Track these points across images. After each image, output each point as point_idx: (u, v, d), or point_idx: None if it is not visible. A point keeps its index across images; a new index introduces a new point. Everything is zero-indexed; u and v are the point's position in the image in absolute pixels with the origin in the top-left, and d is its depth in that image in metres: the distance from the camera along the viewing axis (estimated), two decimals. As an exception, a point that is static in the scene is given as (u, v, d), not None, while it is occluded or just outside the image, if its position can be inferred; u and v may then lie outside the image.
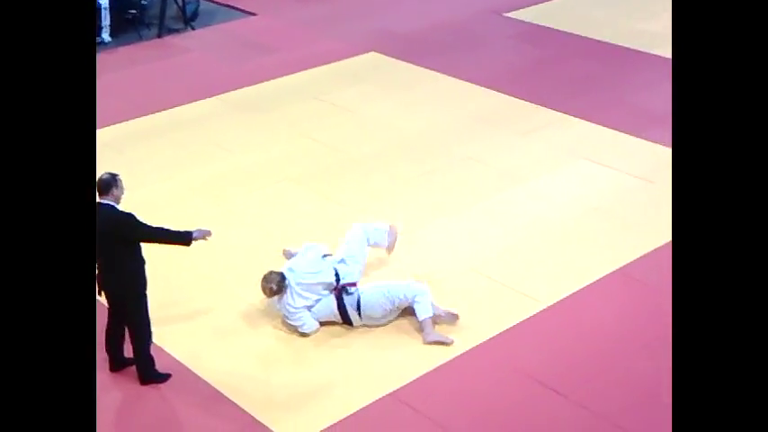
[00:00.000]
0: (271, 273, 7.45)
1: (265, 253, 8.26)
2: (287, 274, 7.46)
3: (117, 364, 6.93)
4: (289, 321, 7.43)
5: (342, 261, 7.73)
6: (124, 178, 9.55)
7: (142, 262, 6.63)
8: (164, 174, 10.02)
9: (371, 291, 7.50)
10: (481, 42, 13.77)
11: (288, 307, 7.37)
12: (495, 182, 9.76)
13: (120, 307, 6.69)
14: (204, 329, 7.54)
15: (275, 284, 7.38)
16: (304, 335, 7.40)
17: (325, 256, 7.78)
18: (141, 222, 6.56)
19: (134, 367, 6.89)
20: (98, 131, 10.88)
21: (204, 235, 6.85)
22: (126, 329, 6.80)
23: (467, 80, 12.29)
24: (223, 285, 8.05)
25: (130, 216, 6.53)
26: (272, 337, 7.45)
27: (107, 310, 6.77)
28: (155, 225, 6.66)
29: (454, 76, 12.44)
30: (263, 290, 7.44)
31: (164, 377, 6.88)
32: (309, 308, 7.41)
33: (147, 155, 10.46)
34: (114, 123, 11.19)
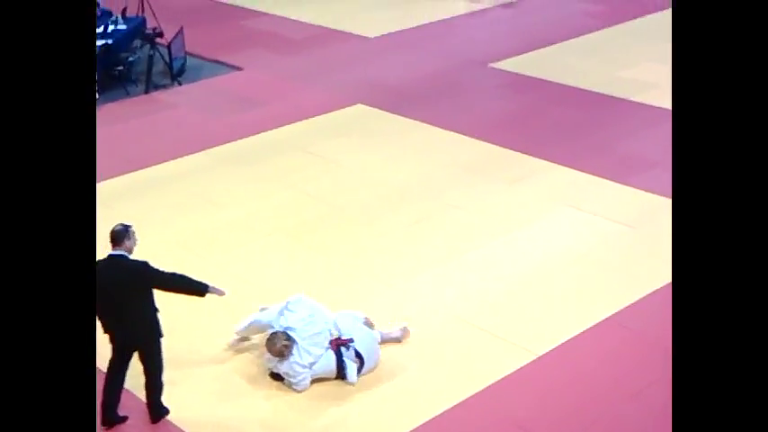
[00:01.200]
0: (274, 334, 7.37)
1: (251, 306, 8.22)
2: (289, 333, 7.39)
3: (110, 419, 6.88)
4: (288, 379, 7.35)
5: (335, 323, 7.70)
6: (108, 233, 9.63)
7: (156, 308, 6.73)
8: (152, 228, 9.98)
9: (360, 336, 7.55)
10: (466, 92, 13.90)
11: (295, 366, 7.28)
12: (482, 231, 9.79)
13: (143, 355, 6.75)
14: (191, 391, 7.46)
15: (284, 342, 7.28)
16: (295, 391, 7.35)
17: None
18: (158, 269, 6.67)
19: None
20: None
21: (219, 292, 7.02)
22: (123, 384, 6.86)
23: (453, 130, 12.39)
24: (210, 342, 7.99)
25: (146, 264, 6.65)
26: (263, 398, 7.38)
27: (110, 364, 6.77)
28: (169, 272, 6.78)
29: (440, 127, 12.53)
30: (273, 351, 7.32)
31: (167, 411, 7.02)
32: (312, 365, 7.35)
33: (135, 210, 10.45)
34: (103, 180, 11.18)
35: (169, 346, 7.01)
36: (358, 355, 7.47)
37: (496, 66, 14.94)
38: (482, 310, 8.38)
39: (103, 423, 6.87)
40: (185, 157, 11.88)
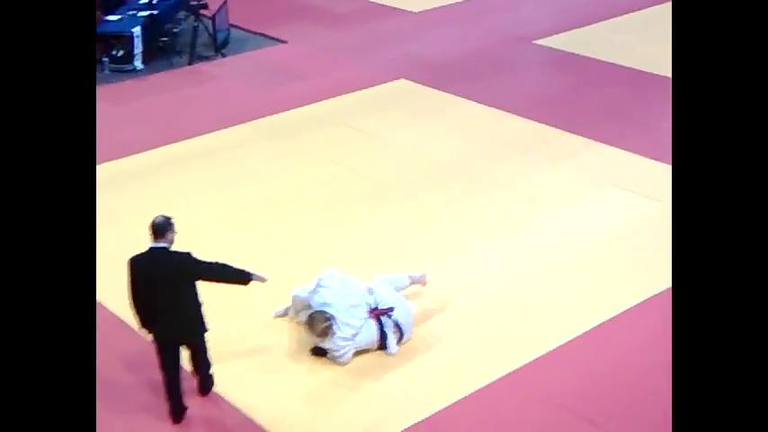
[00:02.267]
0: (312, 316, 7.36)
1: (292, 279, 8.26)
2: (326, 309, 7.40)
3: (179, 412, 6.79)
4: (331, 353, 7.36)
5: (370, 290, 7.73)
6: (153, 204, 9.72)
7: (200, 302, 6.58)
8: (192, 200, 10.08)
9: (398, 306, 7.60)
10: (510, 69, 13.81)
11: (338, 341, 7.29)
12: (523, 209, 9.74)
13: (193, 344, 6.67)
14: (240, 363, 7.50)
15: (324, 322, 7.27)
16: (338, 364, 7.38)
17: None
18: (201, 260, 6.52)
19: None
20: (128, 158, 11.07)
21: (262, 279, 6.89)
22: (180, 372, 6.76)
23: (496, 107, 12.31)
24: (251, 313, 8.04)
25: (189, 255, 6.49)
26: (305, 373, 7.41)
27: (161, 358, 6.61)
28: (212, 261, 6.63)
29: (483, 103, 12.46)
30: (315, 332, 7.31)
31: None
32: (354, 336, 7.37)
33: (176, 181, 10.54)
34: (145, 150, 11.30)
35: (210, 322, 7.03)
36: (397, 324, 7.50)
37: (541, 43, 14.81)
38: (524, 288, 8.36)
39: (174, 419, 6.77)
40: (228, 129, 11.92)
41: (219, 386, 7.11)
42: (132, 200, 10.10)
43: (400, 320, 7.54)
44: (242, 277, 6.77)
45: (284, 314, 7.91)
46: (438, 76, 13.43)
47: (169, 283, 6.35)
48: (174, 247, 6.50)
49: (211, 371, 6.98)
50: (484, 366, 7.31)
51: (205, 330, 6.63)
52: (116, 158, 11.06)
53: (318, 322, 7.29)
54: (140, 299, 6.45)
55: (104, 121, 12.25)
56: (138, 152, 11.22)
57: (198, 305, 6.54)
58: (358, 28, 15.91)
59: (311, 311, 7.42)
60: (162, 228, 6.40)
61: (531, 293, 8.26)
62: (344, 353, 7.34)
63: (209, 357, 6.85)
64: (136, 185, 10.45)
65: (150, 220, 6.49)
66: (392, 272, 8.22)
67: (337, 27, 15.97)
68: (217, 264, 6.65)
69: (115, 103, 12.95)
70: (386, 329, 7.47)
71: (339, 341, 7.31)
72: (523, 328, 7.79)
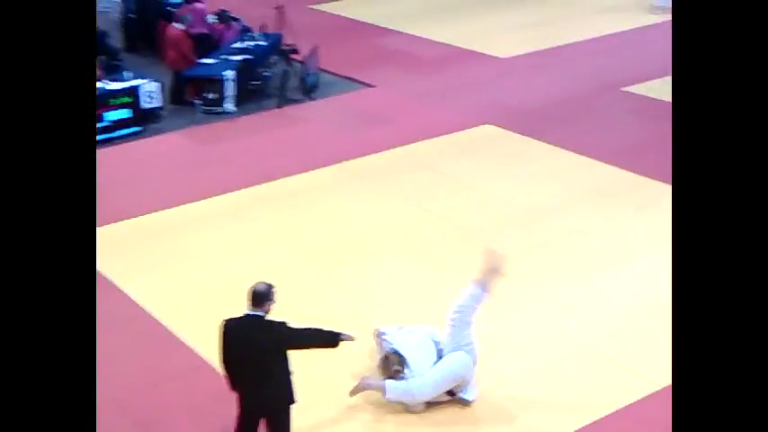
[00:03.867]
0: (385, 357, 7.41)
1: (375, 321, 8.31)
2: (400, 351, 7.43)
3: None
4: (402, 399, 7.34)
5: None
6: (239, 245, 9.90)
7: (291, 371, 6.40)
8: (277, 241, 10.23)
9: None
10: (597, 116, 13.73)
11: (409, 383, 7.30)
12: (607, 257, 9.64)
13: (273, 419, 6.46)
14: (314, 412, 7.56)
15: (396, 366, 7.32)
16: (412, 411, 7.36)
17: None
18: (295, 329, 6.39)
19: None
20: (217, 198, 11.30)
21: (350, 338, 6.72)
22: None
23: (582, 153, 12.25)
24: (332, 355, 8.08)
25: (284, 325, 6.35)
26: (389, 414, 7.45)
27: (239, 422, 6.52)
28: (303, 328, 6.50)
29: (569, 150, 12.41)
30: (386, 372, 7.37)
31: None
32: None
33: (262, 221, 10.72)
34: (233, 190, 11.52)
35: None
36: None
37: (629, 89, 14.70)
38: (604, 338, 8.25)
39: None
40: (314, 171, 12.09)
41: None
42: (219, 239, 10.30)
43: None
44: (332, 340, 6.61)
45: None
46: (524, 123, 13.42)
47: (260, 353, 6.22)
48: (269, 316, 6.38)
49: None
50: (561, 418, 7.23)
51: (292, 401, 6.42)
52: (205, 198, 11.30)
53: (391, 363, 7.35)
54: (230, 363, 6.40)
55: (195, 162, 12.59)
56: (226, 192, 11.45)
57: (288, 375, 6.37)
58: (445, 73, 16.02)
59: (387, 351, 7.48)
60: (261, 297, 6.27)
61: (611, 344, 8.15)
62: (415, 402, 7.31)
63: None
64: (223, 225, 10.66)
65: (251, 286, 6.36)
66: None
67: (424, 72, 16.10)
68: (309, 330, 6.54)
69: (206, 144, 13.26)
70: None
71: (410, 383, 7.30)
72: (602, 380, 7.68)
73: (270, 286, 6.34)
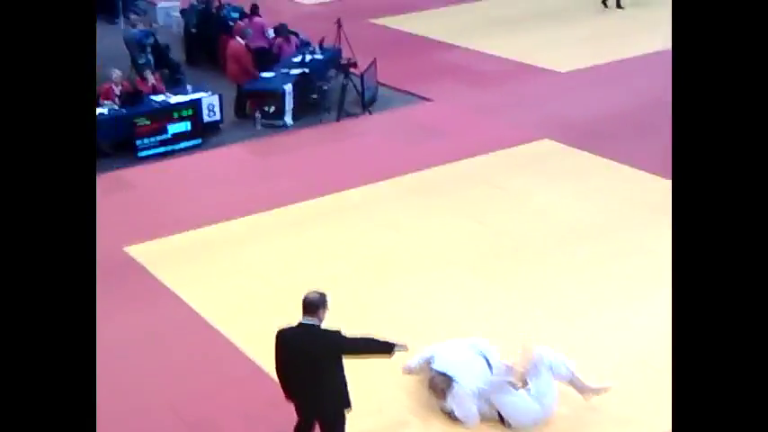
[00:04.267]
0: (432, 378, 7.44)
1: (429, 335, 8.33)
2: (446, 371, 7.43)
3: None
4: (456, 414, 7.36)
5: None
6: (297, 257, 9.97)
7: (345, 378, 6.45)
8: (334, 254, 10.29)
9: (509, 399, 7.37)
10: (657, 132, 13.58)
11: (458, 397, 7.30)
12: (664, 273, 9.53)
13: (328, 424, 6.55)
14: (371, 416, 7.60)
15: (442, 385, 7.37)
16: (463, 425, 7.35)
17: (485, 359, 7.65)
18: (348, 337, 6.40)
19: None
20: (275, 211, 11.41)
21: (404, 348, 6.76)
22: None
23: (641, 169, 12.15)
24: (385, 366, 8.11)
25: (338, 334, 6.36)
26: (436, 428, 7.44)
27: (300, 425, 6.68)
28: (359, 337, 6.51)
29: (628, 165, 12.32)
30: (435, 393, 7.43)
31: None
32: (477, 393, 7.34)
33: (320, 235, 10.78)
34: (292, 203, 11.62)
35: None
36: (500, 416, 7.37)
37: (690, 105, 14.54)
38: (664, 353, 8.16)
39: None
40: (372, 184, 12.15)
41: None
42: (277, 251, 10.39)
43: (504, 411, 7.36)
44: (386, 350, 6.65)
45: (412, 371, 7.84)
46: (582, 137, 13.36)
47: (314, 361, 6.28)
48: (324, 324, 6.41)
49: None
50: (618, 433, 7.18)
51: (347, 406, 6.47)
52: (262, 210, 11.41)
53: (438, 382, 7.37)
54: (285, 372, 6.48)
55: (254, 174, 12.74)
56: (283, 205, 11.55)
57: (343, 381, 6.41)
58: (503, 87, 16.01)
59: (432, 373, 7.47)
60: (314, 305, 6.32)
61: (664, 361, 8.02)
62: (468, 414, 7.31)
63: None
64: (281, 237, 10.76)
65: (304, 295, 6.42)
66: (523, 331, 8.19)
67: (483, 86, 16.11)
68: (363, 339, 6.55)
69: (264, 157, 13.40)
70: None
71: (459, 402, 7.30)
72: (660, 395, 7.59)
73: (322, 295, 6.38)
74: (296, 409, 6.60)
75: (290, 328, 6.39)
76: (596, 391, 7.46)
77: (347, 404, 6.46)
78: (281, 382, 6.55)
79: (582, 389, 7.44)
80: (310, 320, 6.32)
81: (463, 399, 7.31)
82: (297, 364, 6.34)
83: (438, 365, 7.49)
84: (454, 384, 7.32)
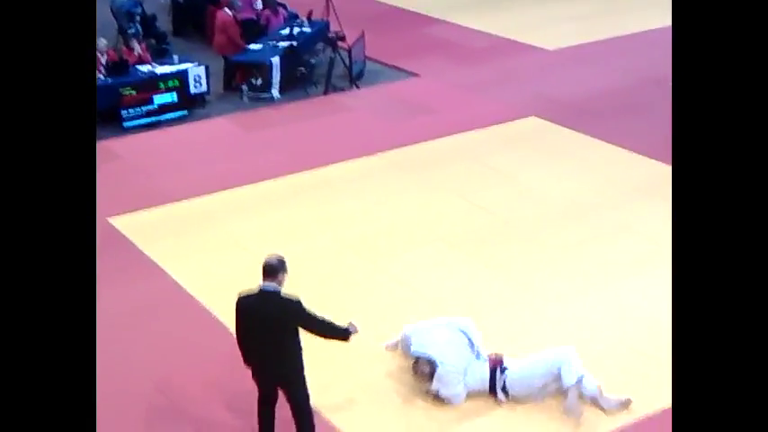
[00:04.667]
0: (416, 362, 7.43)
1: (414, 312, 8.33)
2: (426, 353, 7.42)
3: None
4: (442, 393, 7.34)
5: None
6: (282, 232, 9.93)
7: (300, 347, 6.52)
8: (320, 228, 10.27)
9: (518, 371, 7.38)
10: (645, 111, 13.56)
11: (447, 372, 7.29)
12: (652, 254, 9.55)
13: (287, 391, 6.60)
14: (347, 387, 7.62)
15: (427, 367, 7.36)
16: (449, 404, 7.36)
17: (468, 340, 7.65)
18: (308, 311, 6.44)
19: None
20: (259, 184, 11.36)
21: (355, 330, 6.75)
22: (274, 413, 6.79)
23: (628, 149, 12.13)
24: (369, 342, 8.10)
25: (299, 303, 6.39)
26: (419, 408, 7.43)
27: (259, 399, 6.75)
28: (318, 315, 6.53)
29: (616, 144, 12.30)
30: (417, 377, 7.43)
31: None
32: (463, 376, 7.35)
33: (305, 209, 10.75)
34: (276, 177, 11.57)
35: (326, 349, 7.08)
36: (504, 389, 7.37)
37: (678, 85, 14.51)
38: (646, 335, 8.19)
39: None
40: (358, 159, 12.10)
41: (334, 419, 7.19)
42: (262, 225, 10.35)
43: (510, 387, 7.37)
44: (342, 334, 6.68)
45: (395, 347, 7.91)
46: (570, 116, 13.32)
47: (272, 327, 6.34)
48: (286, 286, 6.45)
49: None
50: (603, 416, 7.20)
51: (302, 377, 6.53)
52: (248, 184, 11.36)
53: (422, 365, 7.38)
54: (244, 337, 6.54)
55: (240, 147, 12.66)
56: (269, 178, 11.50)
57: (298, 349, 6.47)
58: (491, 64, 15.93)
59: (414, 358, 7.46)
60: (273, 269, 6.36)
61: (654, 342, 8.07)
62: (456, 393, 7.32)
63: (309, 412, 6.66)
64: (266, 211, 10.71)
65: (264, 259, 6.48)
66: (510, 311, 8.19)
67: (470, 62, 16.04)
68: (322, 320, 6.55)
69: (250, 130, 13.32)
70: (496, 382, 7.37)
71: (446, 382, 7.30)
72: (645, 378, 7.62)
73: (281, 259, 6.42)
74: (253, 375, 6.63)
75: (249, 295, 6.44)
76: (622, 405, 7.27)
77: (301, 374, 6.51)
78: (240, 347, 6.59)
79: (609, 408, 7.24)
80: (270, 284, 6.35)
81: (449, 379, 7.31)
82: (256, 330, 6.40)
83: (418, 349, 7.46)
84: (438, 366, 7.31)
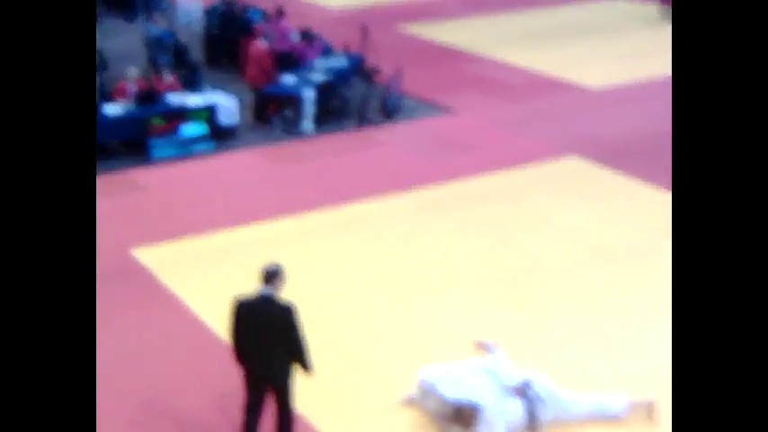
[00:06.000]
0: (459, 408, 7.05)
1: (442, 354, 7.92)
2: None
3: None
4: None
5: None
6: (310, 268, 9.61)
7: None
8: (348, 265, 9.92)
9: (548, 391, 7.25)
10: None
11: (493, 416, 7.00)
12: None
13: (275, 393, 6.76)
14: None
15: (470, 411, 7.01)
16: None
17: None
18: (297, 320, 6.60)
19: None
20: (288, 219, 11.03)
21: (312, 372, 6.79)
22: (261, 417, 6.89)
23: (667, 190, 11.68)
24: (397, 382, 7.70)
25: (290, 310, 6.59)
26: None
27: (245, 396, 6.82)
28: (301, 332, 6.63)
29: (655, 186, 11.87)
30: (466, 423, 7.03)
31: None
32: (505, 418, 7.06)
33: (334, 246, 10.41)
34: (305, 212, 11.25)
35: (351, 388, 6.80)
36: (537, 396, 7.17)
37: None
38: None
39: None
40: (390, 196, 11.74)
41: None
42: (289, 260, 9.87)
43: (541, 393, 7.19)
44: (305, 364, 6.71)
45: (412, 402, 7.51)
46: (610, 156, 12.93)
47: (267, 328, 6.58)
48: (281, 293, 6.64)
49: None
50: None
51: (290, 382, 6.72)
52: (277, 218, 11.05)
53: (465, 412, 7.01)
54: (241, 337, 6.71)
55: (269, 181, 12.37)
56: (297, 213, 11.18)
57: (290, 356, 6.65)
58: (531, 102, 15.59)
59: (454, 405, 7.06)
60: (271, 276, 6.64)
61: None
62: None
63: (291, 418, 6.83)
64: (294, 246, 10.37)
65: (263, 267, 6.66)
66: (536, 352, 7.81)
67: (509, 99, 15.70)
68: (303, 338, 6.63)
69: (281, 163, 13.02)
70: (534, 406, 7.14)
71: (489, 423, 6.96)
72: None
73: (279, 266, 6.68)
74: (245, 378, 6.79)
75: (248, 298, 6.68)
76: (648, 409, 7.32)
77: (289, 376, 6.69)
78: (234, 347, 6.75)
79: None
80: (267, 290, 6.61)
81: (494, 423, 6.98)
82: (252, 332, 6.62)
83: (455, 395, 7.08)
84: (483, 411, 6.95)
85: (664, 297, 9.18)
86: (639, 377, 7.90)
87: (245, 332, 6.66)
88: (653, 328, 8.69)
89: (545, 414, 7.17)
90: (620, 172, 12.40)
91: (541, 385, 7.29)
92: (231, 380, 7.75)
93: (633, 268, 9.85)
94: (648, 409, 7.31)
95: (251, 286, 9.28)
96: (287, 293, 6.69)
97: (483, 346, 7.79)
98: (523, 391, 7.18)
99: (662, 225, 10.81)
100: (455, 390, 7.15)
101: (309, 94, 14.24)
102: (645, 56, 18.10)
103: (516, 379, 7.28)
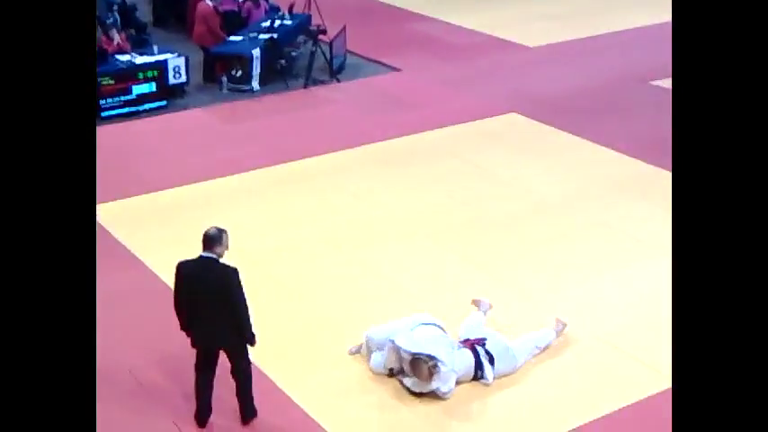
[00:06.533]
0: (416, 360, 7.17)
1: (393, 307, 8.29)
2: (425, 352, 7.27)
3: (204, 416, 6.95)
4: (438, 391, 7.24)
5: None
6: (260, 224, 9.86)
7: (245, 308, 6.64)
8: (297, 221, 10.21)
9: (492, 338, 7.60)
10: (625, 109, 13.59)
11: (444, 378, 7.20)
12: (627, 251, 9.56)
13: (230, 356, 6.74)
14: (330, 385, 7.53)
15: (430, 364, 7.15)
16: (440, 398, 7.28)
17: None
18: (239, 286, 6.53)
19: None
20: (238, 176, 11.28)
21: (252, 343, 6.76)
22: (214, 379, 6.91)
23: (607, 146, 12.14)
24: (348, 335, 8.07)
25: (235, 273, 6.53)
26: (401, 401, 7.42)
27: (196, 360, 6.83)
28: (244, 297, 6.56)
29: (594, 142, 12.30)
30: (422, 376, 7.18)
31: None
32: (456, 368, 7.29)
33: (283, 202, 10.69)
34: (255, 169, 11.50)
35: (305, 342, 7.00)
36: (489, 354, 7.45)
37: (657, 83, 14.55)
38: (619, 330, 8.18)
39: (199, 424, 6.94)
40: (337, 153, 12.04)
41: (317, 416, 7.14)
42: (239, 217, 10.25)
43: (492, 351, 7.50)
44: (247, 334, 6.67)
45: (357, 351, 7.80)
46: (550, 112, 13.32)
47: (209, 292, 6.51)
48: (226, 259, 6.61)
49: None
50: (572, 410, 7.19)
51: (244, 340, 6.66)
52: (227, 175, 11.29)
53: (424, 364, 7.14)
54: (183, 302, 6.69)
55: (218, 139, 12.59)
56: (247, 170, 11.43)
57: (236, 318, 6.57)
58: (473, 60, 15.92)
59: (412, 357, 7.21)
60: (212, 240, 6.57)
61: (627, 337, 8.07)
62: (450, 388, 7.27)
63: (249, 379, 6.84)
64: (244, 203, 10.65)
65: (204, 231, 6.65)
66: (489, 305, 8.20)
67: (452, 58, 16.01)
68: (245, 302, 6.57)
69: (229, 122, 13.24)
70: (482, 359, 7.43)
71: (445, 378, 7.20)
72: (617, 373, 7.62)
73: (221, 231, 6.60)
74: (192, 342, 6.76)
75: (190, 260, 6.63)
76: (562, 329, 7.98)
77: (242, 338, 6.64)
78: (178, 311, 6.74)
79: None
80: (209, 254, 6.54)
81: (449, 376, 7.23)
82: (199, 296, 6.55)
83: (411, 348, 7.23)
84: (440, 365, 7.15)
85: (604, 249, 9.63)
86: (581, 326, 8.24)
87: (188, 296, 6.61)
88: (595, 277, 9.12)
89: (497, 367, 7.45)
90: (560, 128, 12.78)
91: (496, 342, 7.56)
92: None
93: (574, 220, 10.24)
94: (562, 329, 7.95)
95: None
96: (236, 250, 6.72)
97: (477, 303, 8.13)
98: (473, 346, 7.46)
99: (601, 179, 11.26)
100: (414, 342, 7.29)
101: (256, 54, 14.44)
102: (580, 15, 18.42)
103: (462, 336, 7.60)
